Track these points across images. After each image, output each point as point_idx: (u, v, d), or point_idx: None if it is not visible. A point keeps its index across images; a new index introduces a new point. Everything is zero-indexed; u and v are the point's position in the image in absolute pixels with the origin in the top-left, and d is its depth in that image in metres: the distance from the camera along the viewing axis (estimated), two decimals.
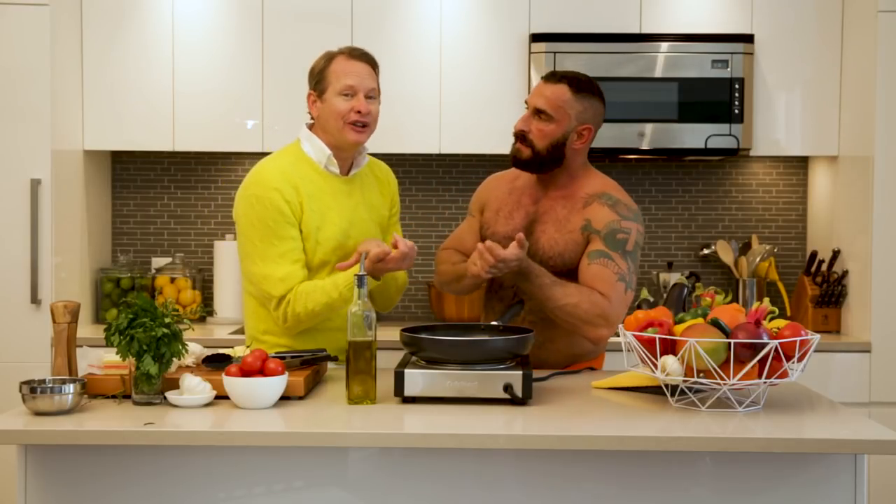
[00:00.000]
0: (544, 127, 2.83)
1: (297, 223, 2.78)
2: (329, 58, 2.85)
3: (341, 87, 2.79)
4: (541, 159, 2.86)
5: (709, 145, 4.01)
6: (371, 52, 2.89)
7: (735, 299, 4.19)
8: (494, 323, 2.75)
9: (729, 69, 4.00)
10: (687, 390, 2.46)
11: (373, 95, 2.83)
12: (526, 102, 2.90)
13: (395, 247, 2.73)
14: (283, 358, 2.55)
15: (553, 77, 2.88)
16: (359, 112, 2.79)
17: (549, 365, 2.88)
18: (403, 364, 2.47)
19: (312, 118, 2.89)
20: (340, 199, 2.86)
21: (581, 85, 2.86)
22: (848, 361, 3.88)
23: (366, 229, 2.89)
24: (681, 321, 2.44)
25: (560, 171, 2.90)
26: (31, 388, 2.29)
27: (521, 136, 2.86)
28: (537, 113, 2.84)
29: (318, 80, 2.84)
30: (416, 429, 2.27)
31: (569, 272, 2.84)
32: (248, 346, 2.73)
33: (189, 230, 4.45)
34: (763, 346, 2.27)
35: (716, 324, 2.33)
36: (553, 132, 2.84)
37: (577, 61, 3.97)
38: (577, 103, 2.84)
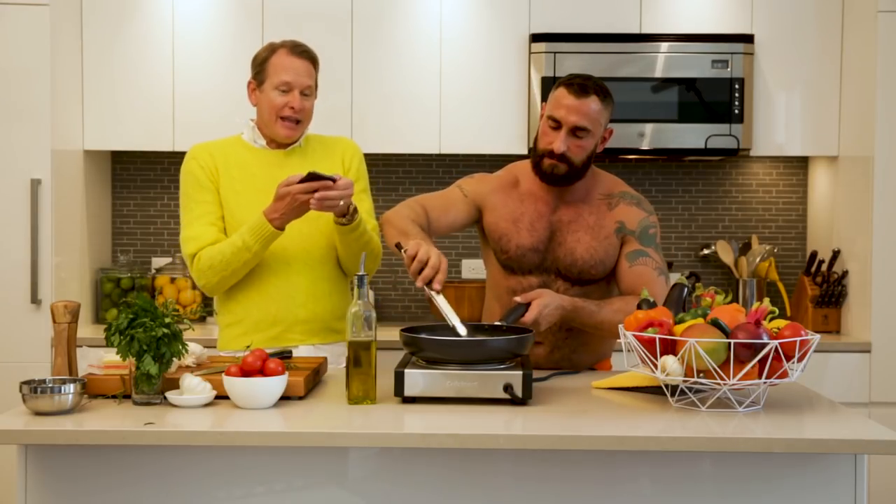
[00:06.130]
0: (583, 143, 2.75)
1: (213, 188, 2.90)
2: (272, 49, 2.95)
3: (278, 83, 2.90)
4: (577, 173, 2.79)
5: (709, 145, 4.01)
6: (313, 50, 2.96)
7: (735, 299, 4.19)
8: (498, 323, 2.75)
9: (729, 69, 4.00)
10: (687, 390, 2.46)
11: (308, 93, 2.92)
12: (555, 119, 2.75)
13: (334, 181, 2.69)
14: None
15: (582, 90, 2.73)
16: (292, 108, 2.89)
17: (582, 365, 2.95)
18: (403, 364, 2.47)
19: (252, 105, 2.99)
20: (270, 170, 2.93)
21: (603, 92, 2.77)
22: (848, 361, 3.88)
23: None
24: (681, 321, 2.44)
25: None
26: (31, 388, 2.29)
27: (560, 156, 2.75)
28: (574, 130, 2.74)
29: (258, 70, 2.96)
30: (416, 429, 2.27)
31: (605, 277, 2.88)
32: (247, 347, 2.73)
33: None
34: (763, 346, 2.27)
35: (716, 324, 2.33)
36: (589, 146, 2.78)
37: (577, 61, 3.97)
38: (605, 112, 2.78)
